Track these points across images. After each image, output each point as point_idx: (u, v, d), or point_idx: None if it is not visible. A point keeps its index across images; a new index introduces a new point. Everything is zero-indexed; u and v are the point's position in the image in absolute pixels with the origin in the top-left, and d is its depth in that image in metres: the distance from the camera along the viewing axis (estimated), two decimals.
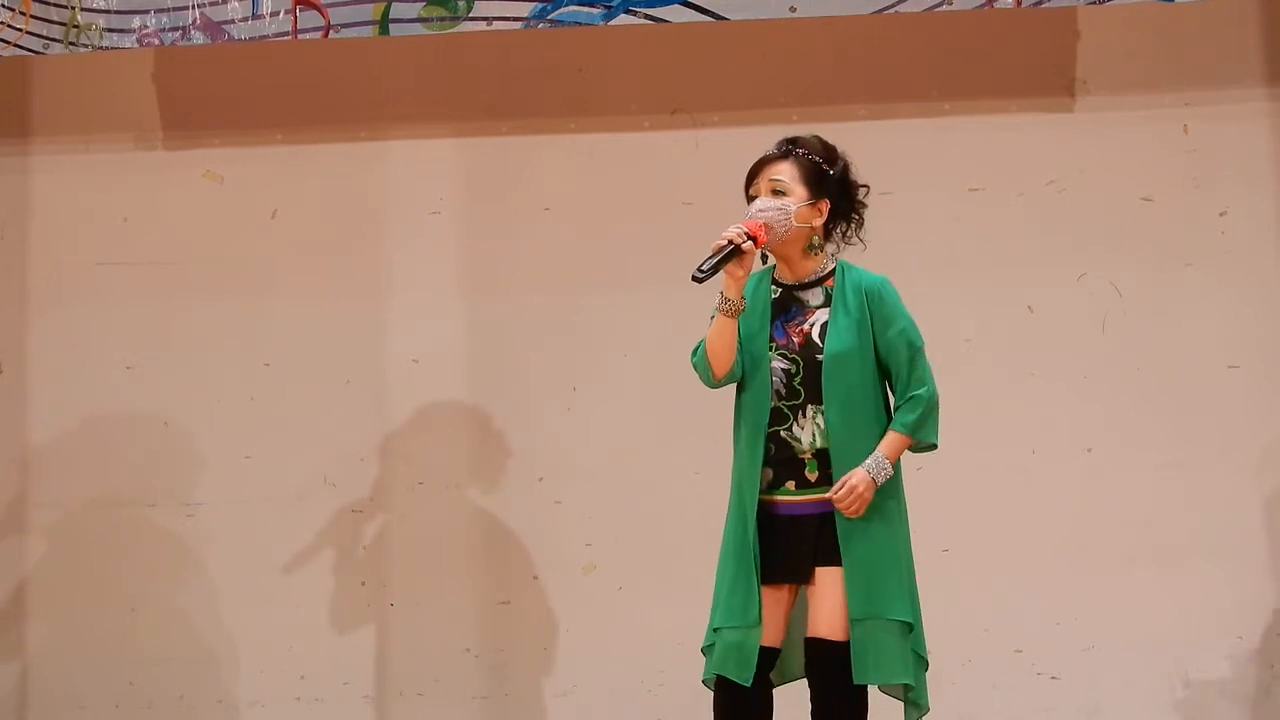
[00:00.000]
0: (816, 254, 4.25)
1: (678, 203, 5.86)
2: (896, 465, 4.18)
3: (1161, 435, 5.77)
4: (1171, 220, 5.85)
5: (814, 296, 4.24)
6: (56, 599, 6.07)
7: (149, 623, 6.02)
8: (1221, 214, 5.84)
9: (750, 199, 4.21)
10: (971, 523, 5.78)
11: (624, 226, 5.96)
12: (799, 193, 4.19)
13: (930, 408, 4.19)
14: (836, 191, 4.26)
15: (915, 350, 4.22)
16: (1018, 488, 5.78)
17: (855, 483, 4.08)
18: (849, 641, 4.09)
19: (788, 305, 4.24)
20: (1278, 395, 5.78)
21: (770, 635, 4.15)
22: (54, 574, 6.07)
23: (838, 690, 4.09)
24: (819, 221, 4.23)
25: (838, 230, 4.29)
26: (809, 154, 4.23)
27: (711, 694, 4.22)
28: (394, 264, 6.08)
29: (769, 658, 4.17)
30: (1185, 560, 5.74)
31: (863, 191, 4.32)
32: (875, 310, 4.20)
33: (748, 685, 4.09)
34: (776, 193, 4.18)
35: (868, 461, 4.11)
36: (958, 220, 5.89)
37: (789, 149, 4.24)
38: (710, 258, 4.04)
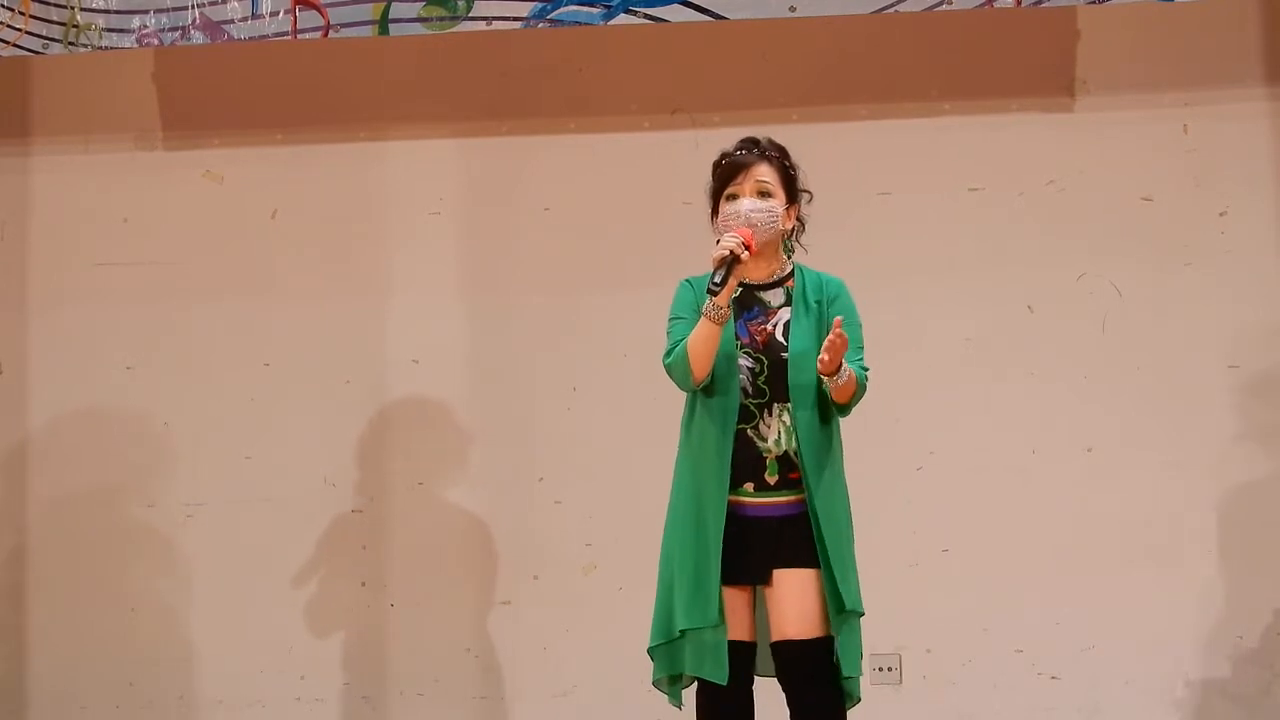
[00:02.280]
0: (787, 256, 4.33)
1: (678, 203, 5.81)
2: (840, 454, 4.23)
3: (1161, 435, 5.77)
4: (1171, 220, 5.84)
5: (775, 297, 4.29)
6: (56, 599, 6.07)
7: (149, 623, 6.02)
8: (1221, 214, 5.84)
9: (728, 198, 4.25)
10: (971, 523, 5.78)
11: (624, 226, 5.96)
12: (780, 195, 4.26)
13: (864, 387, 4.21)
14: (797, 195, 4.33)
15: (860, 341, 4.26)
16: (1018, 488, 5.78)
17: (842, 341, 4.05)
18: (821, 638, 4.11)
19: (749, 304, 4.28)
20: (1278, 395, 5.78)
21: (744, 630, 4.19)
22: (54, 574, 6.08)
23: (816, 688, 4.11)
24: (790, 225, 4.31)
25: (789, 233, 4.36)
26: (782, 158, 4.30)
27: (663, 695, 4.27)
28: (394, 264, 6.08)
29: (748, 653, 4.20)
30: (1185, 560, 5.74)
31: (806, 198, 4.36)
32: (831, 308, 4.26)
33: (724, 684, 4.12)
34: (763, 194, 4.23)
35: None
36: (958, 220, 5.89)
37: (765, 151, 4.29)
38: (718, 270, 4.08)
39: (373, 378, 6.05)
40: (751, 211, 4.18)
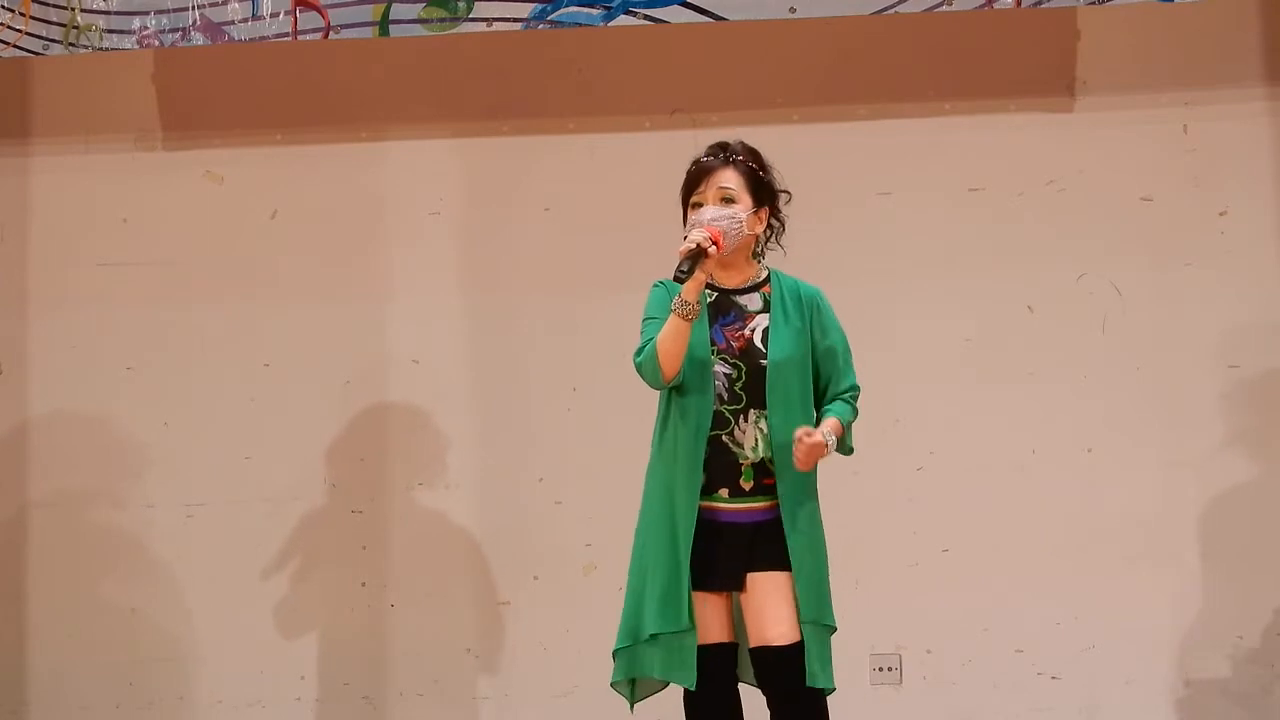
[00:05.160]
0: (758, 260, 4.30)
1: (678, 203, 5.84)
2: (815, 469, 4.19)
3: (1161, 435, 5.77)
4: (1171, 220, 5.85)
5: (752, 302, 4.26)
6: (56, 599, 6.07)
7: (149, 623, 6.02)
8: (1221, 214, 5.84)
9: (694, 205, 4.23)
10: (971, 523, 5.78)
11: (624, 226, 5.95)
12: (746, 200, 4.22)
13: (857, 413, 4.24)
14: (770, 198, 4.28)
15: (849, 356, 4.27)
16: (1018, 488, 5.79)
17: (819, 441, 4.05)
18: (801, 642, 4.08)
19: (725, 309, 4.25)
20: (1277, 395, 5.78)
21: (722, 632, 4.18)
22: (54, 574, 6.07)
23: (797, 693, 4.09)
24: (760, 228, 4.26)
25: (762, 236, 4.31)
26: (749, 161, 4.26)
27: (624, 698, 4.29)
28: (394, 264, 6.08)
29: (729, 655, 4.20)
30: (1185, 560, 5.75)
31: (785, 198, 4.33)
32: (814, 319, 4.24)
33: (694, 688, 4.12)
34: (726, 200, 4.20)
35: (825, 431, 4.10)
36: (958, 220, 5.89)
37: (730, 156, 4.25)
38: (684, 261, 4.05)
39: (373, 378, 6.05)
40: (713, 220, 4.14)
